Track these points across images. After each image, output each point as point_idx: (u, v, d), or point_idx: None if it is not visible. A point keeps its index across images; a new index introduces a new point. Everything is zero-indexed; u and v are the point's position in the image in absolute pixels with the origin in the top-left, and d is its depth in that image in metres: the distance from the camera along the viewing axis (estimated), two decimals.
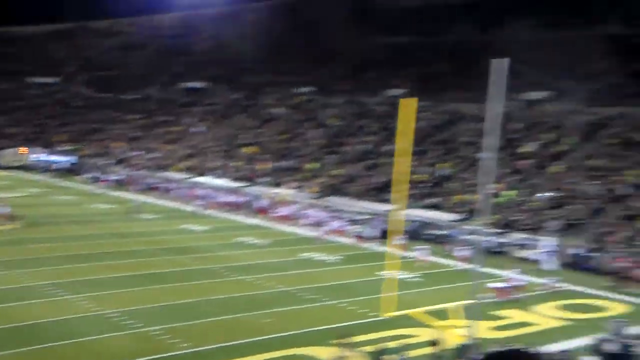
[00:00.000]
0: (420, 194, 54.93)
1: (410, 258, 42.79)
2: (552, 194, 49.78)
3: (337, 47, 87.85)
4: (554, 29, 69.78)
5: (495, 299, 35.85)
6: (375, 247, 47.58)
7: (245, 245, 47.40)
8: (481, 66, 66.66)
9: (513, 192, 51.54)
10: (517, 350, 12.53)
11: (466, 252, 43.07)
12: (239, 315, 30.94)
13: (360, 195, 57.92)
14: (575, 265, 43.63)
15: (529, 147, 56.42)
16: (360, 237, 49.81)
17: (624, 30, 66.89)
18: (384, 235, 47.50)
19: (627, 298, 37.72)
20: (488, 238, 44.09)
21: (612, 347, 28.68)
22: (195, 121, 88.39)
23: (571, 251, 44.30)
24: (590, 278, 41.19)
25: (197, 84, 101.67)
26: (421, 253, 43.66)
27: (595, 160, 51.68)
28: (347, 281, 38.78)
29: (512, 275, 38.18)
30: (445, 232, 49.69)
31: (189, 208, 61.14)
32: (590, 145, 54.07)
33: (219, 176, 69.61)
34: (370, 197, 57.18)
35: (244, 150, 74.78)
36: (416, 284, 38.94)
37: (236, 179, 67.29)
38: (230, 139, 79.23)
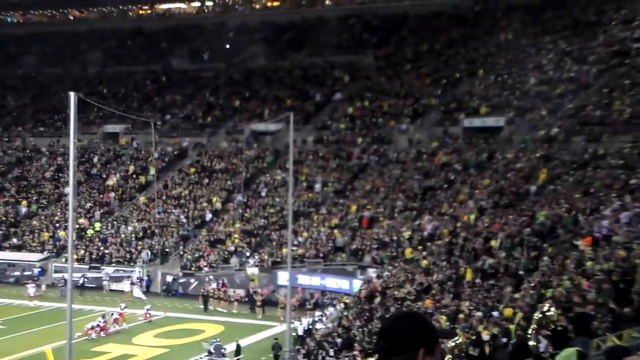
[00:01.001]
0: (2, 235, 51.50)
1: None
2: (141, 224, 50.05)
3: None
4: (123, 64, 70.81)
5: (93, 336, 34.97)
6: None
7: None
8: (54, 100, 65.08)
9: (99, 225, 50.85)
10: None
11: (48, 290, 41.52)
12: None
13: None
14: (170, 291, 44.41)
15: (112, 180, 56.09)
16: None
17: (190, 65, 70.18)
18: None
19: (218, 318, 39.44)
20: (80, 274, 42.90)
21: None
22: None
23: (165, 279, 44.98)
24: (185, 303, 42.25)
25: None
26: None
27: (178, 189, 53.15)
28: None
29: (109, 309, 37.58)
30: (30, 272, 47.04)
31: None
32: (172, 175, 55.49)
33: None
34: None
35: None
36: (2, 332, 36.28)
37: None
38: None
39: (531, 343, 16.63)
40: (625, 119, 39.53)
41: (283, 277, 39.24)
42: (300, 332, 34.35)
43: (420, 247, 37.09)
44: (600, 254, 24.16)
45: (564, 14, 54.54)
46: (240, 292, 42.04)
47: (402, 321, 3.30)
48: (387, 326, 3.31)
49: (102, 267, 46.23)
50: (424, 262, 34.12)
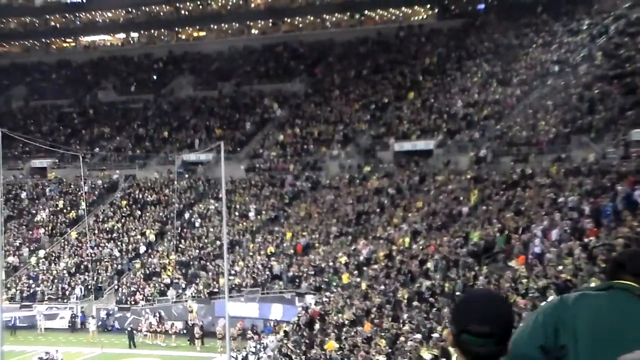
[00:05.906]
0: None
1: None
2: (73, 260, 49.10)
3: None
4: (48, 98, 69.90)
5: None
6: None
7: None
8: None
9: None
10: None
11: None
12: None
13: None
14: (106, 327, 43.60)
15: (41, 215, 54.99)
16: None
17: (118, 97, 69.43)
18: None
19: (157, 352, 38.96)
20: (10, 314, 41.84)
21: None
22: None
23: (101, 314, 44.14)
24: (122, 338, 41.50)
25: None
26: None
27: (110, 222, 52.37)
28: None
29: (46, 349, 36.68)
30: None
31: None
32: (104, 208, 54.67)
33: None
34: None
35: None
36: None
37: None
38: None
39: None
40: (550, 139, 40.76)
41: (221, 307, 38.96)
42: None
43: (356, 272, 37.33)
44: (534, 272, 24.87)
45: (485, 38, 56.13)
46: (179, 325, 41.59)
47: (507, 307, 2.65)
48: (496, 312, 2.60)
49: (34, 306, 45.14)
50: (362, 287, 34.37)
